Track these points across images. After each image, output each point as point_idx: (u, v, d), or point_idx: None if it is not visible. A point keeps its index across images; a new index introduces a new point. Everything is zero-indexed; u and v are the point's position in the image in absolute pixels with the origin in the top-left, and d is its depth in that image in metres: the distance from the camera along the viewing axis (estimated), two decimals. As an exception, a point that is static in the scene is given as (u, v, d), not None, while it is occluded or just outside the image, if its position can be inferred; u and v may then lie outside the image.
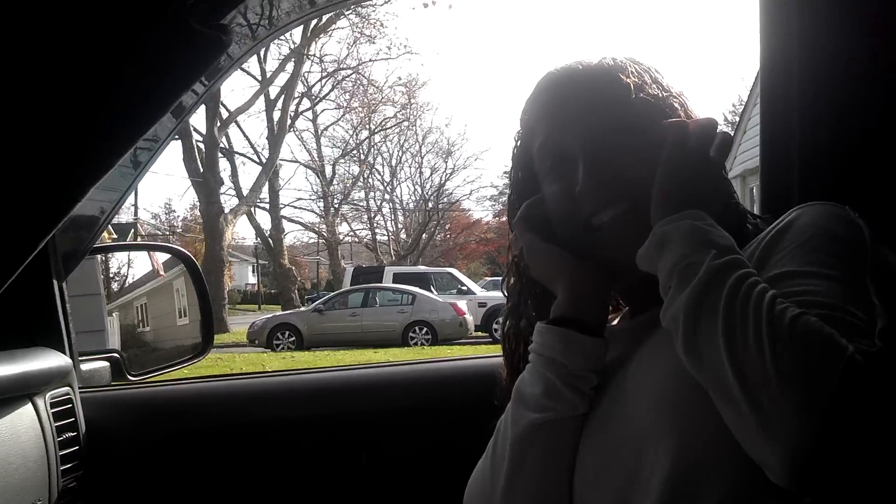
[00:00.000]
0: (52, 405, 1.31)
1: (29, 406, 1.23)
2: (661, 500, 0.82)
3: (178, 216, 45.07)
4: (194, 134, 24.43)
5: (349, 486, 1.55)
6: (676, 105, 1.03)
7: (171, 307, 2.24)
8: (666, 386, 0.86)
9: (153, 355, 2.38)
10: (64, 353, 1.47)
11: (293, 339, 17.50)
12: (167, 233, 42.85)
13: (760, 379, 0.70)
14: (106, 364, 1.72)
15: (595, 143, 0.97)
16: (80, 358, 1.61)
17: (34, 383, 1.24)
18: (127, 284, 2.49)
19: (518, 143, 1.10)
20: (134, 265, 2.46)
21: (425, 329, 17.39)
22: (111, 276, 2.51)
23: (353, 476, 1.55)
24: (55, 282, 1.52)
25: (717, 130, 0.95)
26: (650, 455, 0.85)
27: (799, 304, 0.74)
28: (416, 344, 16.91)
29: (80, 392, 1.49)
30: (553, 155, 1.01)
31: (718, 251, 0.80)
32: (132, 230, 42.35)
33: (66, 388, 1.39)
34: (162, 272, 2.12)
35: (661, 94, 1.01)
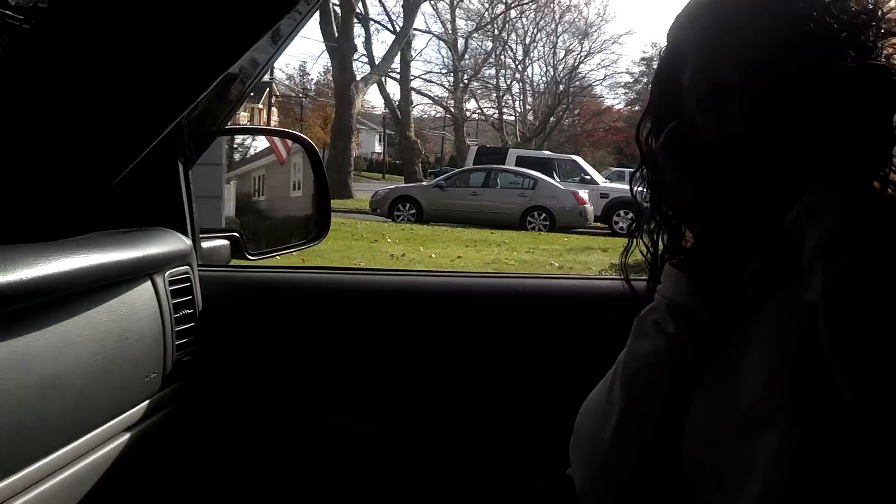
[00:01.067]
0: (171, 283, 1.39)
1: (148, 284, 1.30)
2: (771, 478, 0.79)
3: (312, 79, 45.82)
4: (332, -2, 24.42)
5: (450, 393, 1.58)
6: (867, 29, 0.87)
7: (286, 180, 2.30)
8: (787, 365, 0.81)
9: (266, 223, 2.47)
10: (186, 233, 1.54)
11: (413, 211, 17.84)
12: (300, 95, 43.75)
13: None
14: (226, 243, 1.80)
15: (755, 77, 0.85)
16: (202, 236, 1.69)
17: (154, 265, 1.31)
18: (248, 156, 2.57)
19: (664, 59, 0.99)
20: (258, 140, 2.53)
21: (544, 215, 17.35)
22: (234, 146, 2.60)
23: (458, 387, 1.58)
24: (181, 165, 1.58)
25: (892, 79, 0.83)
26: (760, 430, 0.81)
27: None
28: (533, 229, 16.93)
29: (200, 270, 1.56)
30: (705, 80, 0.90)
31: (872, 239, 0.74)
32: (266, 89, 43.48)
33: (186, 268, 1.47)
34: (283, 159, 2.18)
35: (845, 18, 0.86)
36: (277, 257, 2.00)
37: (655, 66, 1.03)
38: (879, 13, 0.88)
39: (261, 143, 2.46)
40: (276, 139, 2.25)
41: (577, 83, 38.95)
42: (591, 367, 1.08)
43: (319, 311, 1.64)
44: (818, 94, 0.83)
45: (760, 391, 0.82)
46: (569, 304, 1.63)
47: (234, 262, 1.83)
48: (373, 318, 1.62)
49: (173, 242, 1.42)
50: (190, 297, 1.47)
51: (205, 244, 1.71)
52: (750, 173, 0.86)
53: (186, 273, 1.46)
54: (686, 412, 0.92)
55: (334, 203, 17.69)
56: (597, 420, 1.00)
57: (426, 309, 1.63)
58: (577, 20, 39.01)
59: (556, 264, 10.78)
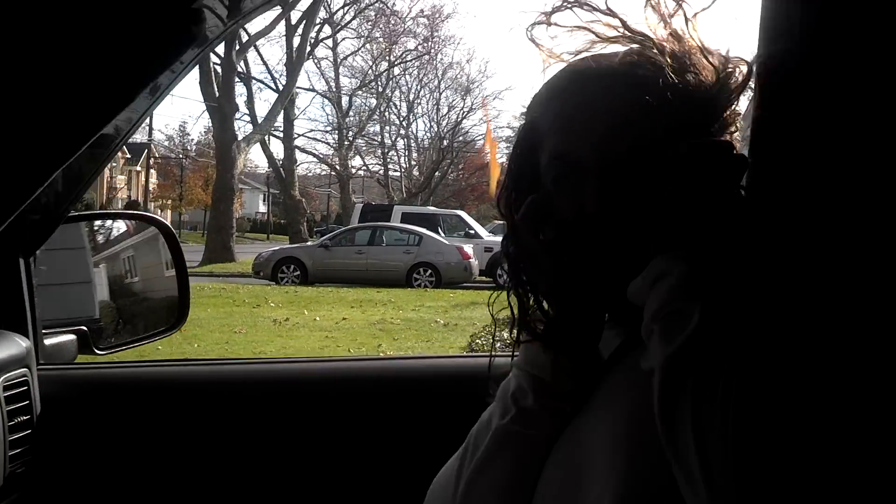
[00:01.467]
0: (6, 388, 1.32)
1: (-22, 392, 1.24)
2: None
3: (192, 139, 45.04)
4: (212, 57, 24.20)
5: (310, 483, 1.56)
6: (704, 118, 0.94)
7: (158, 259, 2.23)
8: (622, 432, 0.84)
9: (145, 305, 2.38)
10: (25, 332, 1.47)
11: (298, 273, 17.60)
12: (180, 156, 42.86)
13: (721, 468, 0.68)
14: (72, 338, 1.72)
15: (607, 159, 0.90)
16: (46, 332, 1.62)
17: (-16, 372, 1.25)
18: (115, 235, 2.48)
19: (522, 136, 1.02)
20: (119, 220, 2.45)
21: (430, 271, 17.47)
22: (95, 227, 2.50)
23: (316, 475, 1.56)
24: (21, 259, 1.52)
25: (733, 154, 0.89)
26: (595, 497, 0.84)
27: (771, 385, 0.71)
28: (419, 285, 17.00)
29: (40, 370, 1.50)
30: (561, 163, 0.94)
31: (709, 303, 0.76)
32: (145, 151, 42.46)
33: (23, 370, 1.40)
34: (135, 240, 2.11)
35: (691, 98, 0.92)
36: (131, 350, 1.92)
37: (513, 141, 1.05)
38: (723, 92, 0.95)
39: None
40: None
41: (461, 138, 39.71)
42: (449, 445, 1.08)
43: (172, 408, 1.58)
44: (666, 171, 0.87)
45: (597, 458, 0.85)
46: (429, 383, 1.64)
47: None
48: (230, 413, 1.58)
49: (7, 345, 1.36)
50: (27, 402, 1.40)
51: (48, 341, 1.63)
52: (604, 248, 0.91)
53: (24, 376, 1.40)
54: (536, 486, 0.94)
55: (217, 267, 17.07)
56: (447, 495, 1.00)
57: (285, 399, 1.60)
58: (459, 76, 39.85)
59: (442, 321, 10.84)
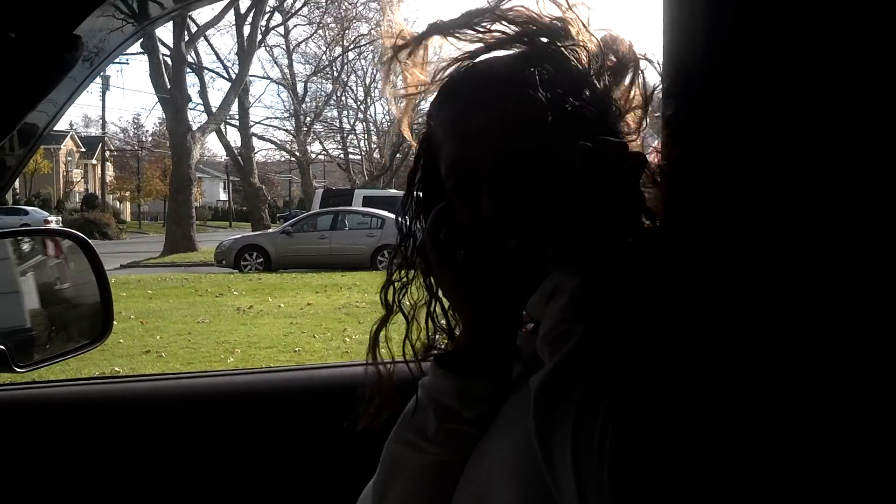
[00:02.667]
0: None
1: None
2: None
3: (148, 131, 44.37)
4: (161, 49, 23.86)
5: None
6: (599, 110, 0.91)
7: (78, 272, 2.18)
8: (520, 444, 0.81)
9: (76, 311, 2.34)
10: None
11: (261, 260, 17.50)
12: (136, 148, 42.24)
13: (596, 489, 0.67)
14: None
15: (502, 165, 0.87)
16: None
17: None
18: (35, 249, 2.41)
19: (423, 145, 1.00)
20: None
21: (394, 253, 17.45)
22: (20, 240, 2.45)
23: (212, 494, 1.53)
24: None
25: (629, 151, 0.86)
26: None
27: (651, 407, 0.70)
28: (384, 268, 16.70)
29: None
30: (460, 173, 0.91)
31: (595, 323, 0.75)
32: (100, 144, 41.78)
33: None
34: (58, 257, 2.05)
35: (584, 100, 0.90)
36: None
37: (415, 152, 1.03)
38: (615, 93, 0.93)
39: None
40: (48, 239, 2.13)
41: (420, 119, 39.52)
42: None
43: (58, 430, 1.53)
44: (559, 176, 0.84)
45: (498, 480, 0.85)
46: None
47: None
48: (126, 433, 1.53)
49: None
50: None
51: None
52: (505, 258, 0.89)
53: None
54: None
55: (179, 258, 16.86)
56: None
57: (185, 415, 1.57)
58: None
59: (409, 304, 10.80)
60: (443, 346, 1.00)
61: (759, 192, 0.99)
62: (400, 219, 1.02)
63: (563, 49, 0.92)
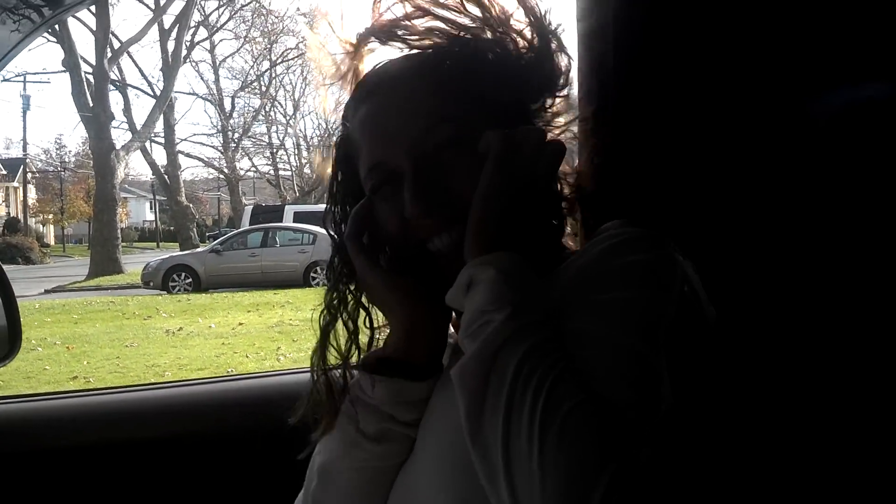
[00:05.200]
0: None
1: None
2: None
3: (70, 151, 43.19)
4: (83, 66, 23.25)
5: None
6: (515, 100, 0.91)
7: None
8: (451, 441, 0.81)
9: None
10: None
11: (190, 280, 17.13)
12: (58, 169, 41.04)
13: (526, 473, 0.66)
14: None
15: (421, 162, 0.87)
16: None
17: None
18: None
19: (340, 146, 0.98)
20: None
21: (327, 269, 17.28)
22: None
23: None
24: None
25: (547, 139, 0.87)
26: None
27: (581, 385, 0.69)
28: (318, 284, 16.77)
29: None
30: (378, 172, 0.90)
31: (515, 309, 0.74)
32: (21, 166, 40.37)
33: None
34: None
35: (499, 86, 0.90)
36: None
37: (334, 151, 1.00)
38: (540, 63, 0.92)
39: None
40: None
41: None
42: None
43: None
44: (481, 166, 0.84)
45: (431, 478, 0.85)
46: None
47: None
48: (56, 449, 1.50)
49: None
50: None
51: None
52: (430, 258, 0.89)
53: None
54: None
55: (104, 280, 16.31)
56: None
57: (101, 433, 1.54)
58: (343, 72, 39.45)
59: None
60: (365, 350, 0.97)
61: (676, 179, 1.02)
62: (327, 227, 1.00)
63: (479, 39, 0.91)
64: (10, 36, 1.15)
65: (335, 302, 0.97)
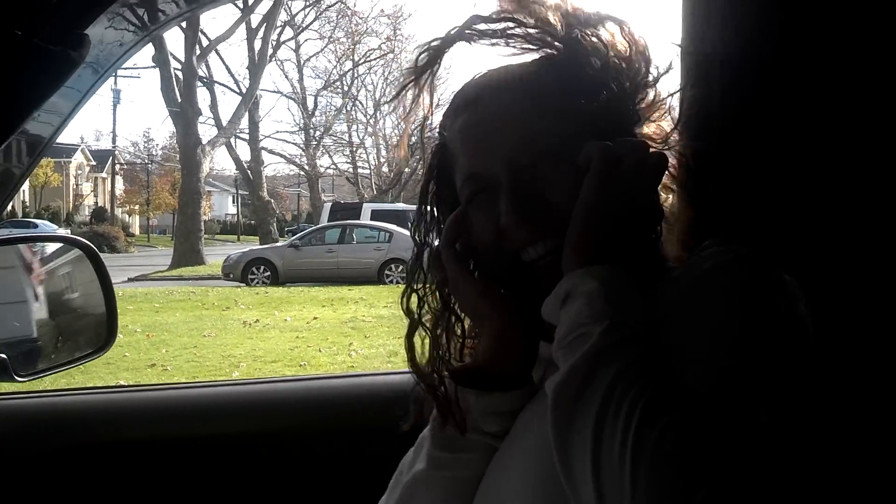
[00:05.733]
0: None
1: None
2: None
3: (158, 145, 44.66)
4: (173, 62, 23.98)
5: None
6: (615, 113, 0.90)
7: (84, 280, 2.14)
8: (540, 455, 0.80)
9: (84, 321, 2.31)
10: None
11: (268, 273, 17.50)
12: (146, 161, 42.46)
13: (616, 493, 0.66)
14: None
15: (519, 173, 0.86)
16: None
17: None
18: (51, 252, 2.40)
19: (435, 150, 1.00)
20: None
21: (402, 267, 17.39)
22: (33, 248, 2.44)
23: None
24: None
25: (649, 152, 0.85)
26: None
27: (676, 404, 0.68)
28: (391, 282, 16.95)
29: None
30: (475, 182, 0.90)
31: (613, 322, 0.73)
32: (110, 158, 41.99)
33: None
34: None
35: (598, 98, 0.89)
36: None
37: (429, 160, 1.01)
38: (637, 98, 0.91)
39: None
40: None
41: (429, 133, 39.67)
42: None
43: (90, 437, 1.52)
44: (580, 178, 0.83)
45: (515, 489, 0.83)
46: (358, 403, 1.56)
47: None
48: (154, 440, 1.52)
49: None
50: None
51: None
52: (524, 268, 0.87)
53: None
54: None
55: (186, 271, 16.84)
56: None
57: (189, 424, 1.55)
58: (424, 74, 39.90)
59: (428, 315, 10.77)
60: (459, 360, 0.98)
61: (781, 189, 0.97)
62: (415, 232, 1.01)
63: (578, 52, 0.90)
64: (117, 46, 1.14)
65: (436, 308, 0.98)
